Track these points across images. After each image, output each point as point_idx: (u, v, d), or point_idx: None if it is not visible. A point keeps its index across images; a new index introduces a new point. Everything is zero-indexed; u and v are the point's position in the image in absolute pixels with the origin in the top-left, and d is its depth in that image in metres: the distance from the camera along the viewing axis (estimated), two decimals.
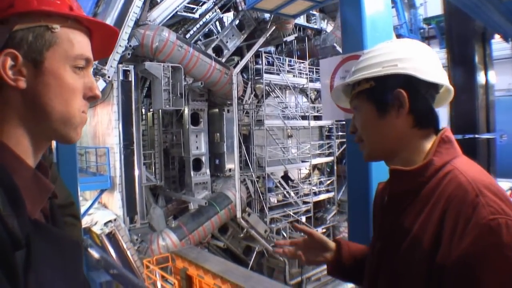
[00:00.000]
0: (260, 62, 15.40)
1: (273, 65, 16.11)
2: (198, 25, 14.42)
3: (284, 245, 1.65)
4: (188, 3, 13.50)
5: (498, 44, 7.62)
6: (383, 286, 1.19)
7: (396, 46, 1.23)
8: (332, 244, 1.59)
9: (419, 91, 1.17)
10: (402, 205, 1.16)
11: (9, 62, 0.79)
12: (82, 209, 11.36)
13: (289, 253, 1.62)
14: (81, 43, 0.89)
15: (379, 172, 1.26)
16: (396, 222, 1.16)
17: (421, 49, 1.22)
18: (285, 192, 16.24)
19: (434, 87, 1.20)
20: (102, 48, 0.99)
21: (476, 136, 5.78)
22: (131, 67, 12.14)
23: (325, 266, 1.64)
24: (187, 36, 14.16)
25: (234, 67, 14.25)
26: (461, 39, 6.02)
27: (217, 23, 15.46)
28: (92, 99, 0.92)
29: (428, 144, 1.19)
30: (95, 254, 2.90)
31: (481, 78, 6.11)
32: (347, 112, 2.37)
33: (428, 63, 1.18)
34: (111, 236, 11.38)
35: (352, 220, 2.47)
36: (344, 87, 1.37)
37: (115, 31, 0.98)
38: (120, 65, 11.69)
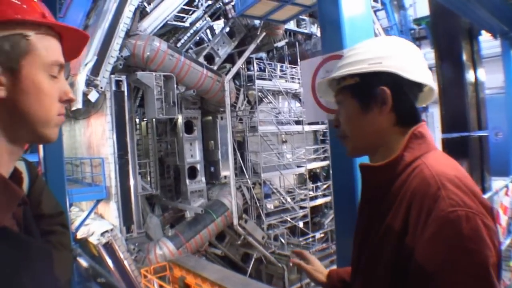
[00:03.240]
0: (252, 68, 15.42)
1: (265, 71, 16.14)
2: (188, 34, 14.42)
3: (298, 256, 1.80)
4: (178, 12, 13.56)
5: (490, 42, 7.66)
6: (360, 276, 1.23)
7: (382, 43, 1.25)
8: (323, 268, 1.72)
9: (403, 89, 1.18)
10: (376, 200, 1.19)
11: None
12: (79, 220, 11.38)
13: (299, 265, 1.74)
14: (54, 49, 0.90)
15: None
16: (373, 216, 1.19)
17: (407, 47, 1.24)
18: (281, 198, 16.19)
19: (417, 86, 1.21)
20: (71, 50, 1.01)
21: (468, 134, 5.79)
22: (123, 77, 12.17)
23: None
24: (178, 44, 14.18)
25: (226, 74, 14.27)
26: (448, 36, 6.03)
27: (208, 31, 15.47)
28: (67, 103, 0.94)
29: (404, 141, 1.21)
30: (83, 263, 2.89)
31: (470, 75, 6.12)
32: (329, 113, 2.38)
33: (412, 61, 1.20)
34: (108, 246, 11.34)
35: (338, 217, 2.48)
36: (330, 82, 1.38)
37: (86, 36, 1.00)
38: (112, 76, 11.73)
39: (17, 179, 0.91)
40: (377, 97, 1.18)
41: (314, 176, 18.39)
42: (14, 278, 0.78)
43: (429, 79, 1.22)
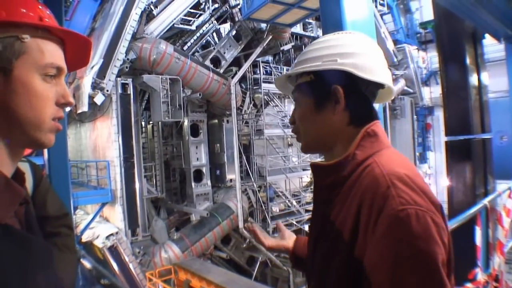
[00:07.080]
0: (258, 71, 15.46)
1: (271, 74, 16.16)
2: (195, 37, 14.47)
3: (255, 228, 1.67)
4: (185, 15, 13.60)
5: (496, 46, 7.60)
6: (314, 282, 1.22)
7: (340, 39, 1.20)
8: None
9: (358, 88, 1.16)
10: (328, 199, 1.16)
11: None
12: (84, 223, 11.41)
13: (255, 234, 1.63)
14: (51, 52, 0.91)
15: None
16: (324, 216, 1.16)
17: (365, 44, 1.20)
18: (287, 201, 16.17)
19: (375, 84, 1.17)
20: (77, 58, 1.02)
21: (471, 137, 5.76)
22: (129, 80, 12.19)
23: None
24: (185, 48, 14.23)
25: (232, 77, 14.29)
26: (452, 40, 6.03)
27: (214, 34, 15.53)
28: (65, 106, 0.95)
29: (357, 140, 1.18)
30: (87, 264, 2.91)
31: (473, 78, 6.11)
32: None
33: (370, 59, 1.16)
34: (113, 250, 11.36)
35: None
36: (290, 78, 1.34)
37: (87, 40, 1.01)
38: (118, 79, 11.75)
39: (19, 179, 0.93)
40: (330, 96, 1.15)
41: None
42: (17, 275, 0.80)
43: (387, 78, 1.18)
